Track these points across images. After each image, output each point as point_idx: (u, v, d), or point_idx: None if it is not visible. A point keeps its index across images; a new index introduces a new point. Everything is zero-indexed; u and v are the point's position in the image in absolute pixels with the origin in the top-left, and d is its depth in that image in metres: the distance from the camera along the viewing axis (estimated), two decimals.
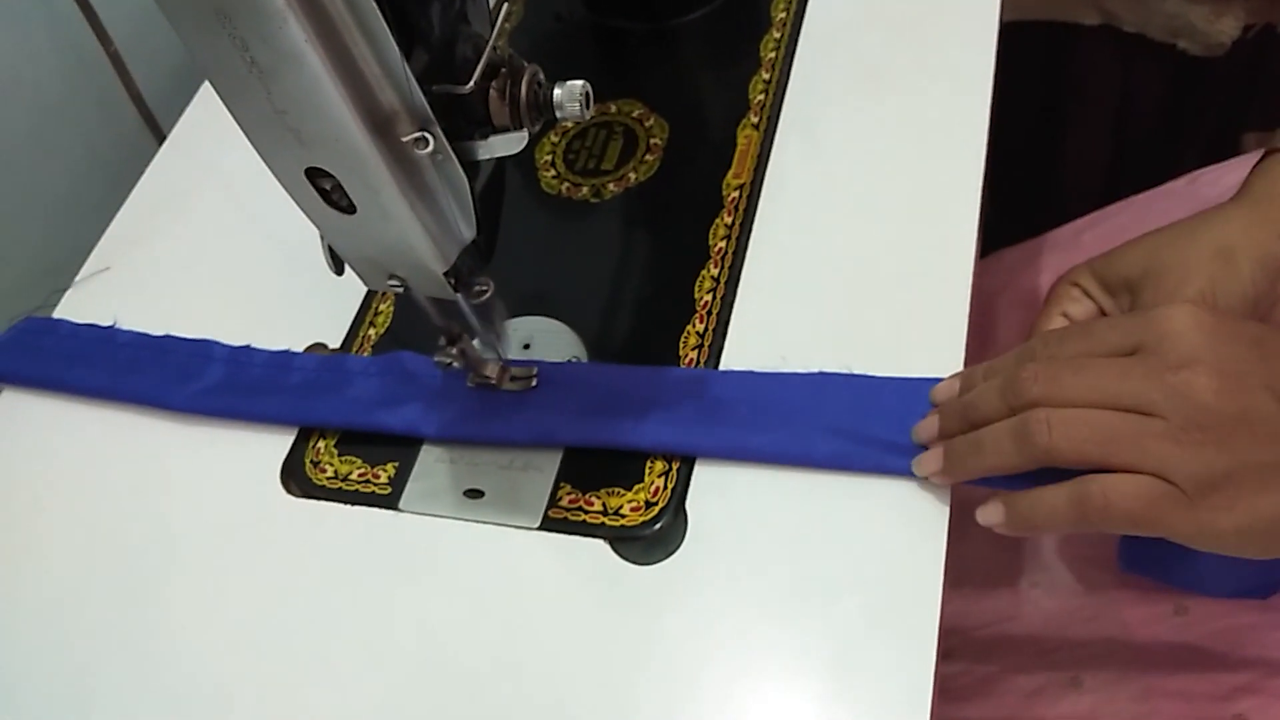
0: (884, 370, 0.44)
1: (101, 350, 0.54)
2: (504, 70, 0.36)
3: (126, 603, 0.47)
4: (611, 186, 0.54)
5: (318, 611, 0.44)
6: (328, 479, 0.48)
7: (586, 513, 0.44)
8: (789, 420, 0.43)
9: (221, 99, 0.33)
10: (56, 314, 0.57)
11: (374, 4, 0.31)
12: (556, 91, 0.36)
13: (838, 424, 0.43)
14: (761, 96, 0.55)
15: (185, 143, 0.65)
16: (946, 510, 0.41)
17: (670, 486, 0.44)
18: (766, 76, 0.56)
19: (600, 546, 0.43)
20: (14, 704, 0.45)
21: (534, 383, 0.47)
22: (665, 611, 0.41)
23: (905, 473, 0.42)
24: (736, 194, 0.52)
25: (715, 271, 0.49)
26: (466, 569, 0.44)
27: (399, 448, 0.48)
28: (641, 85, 0.58)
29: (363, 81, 0.32)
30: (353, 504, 0.47)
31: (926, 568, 0.40)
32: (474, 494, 0.46)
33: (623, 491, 0.44)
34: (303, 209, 0.38)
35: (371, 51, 0.32)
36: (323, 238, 0.41)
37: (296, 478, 0.48)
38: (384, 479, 0.47)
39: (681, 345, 0.48)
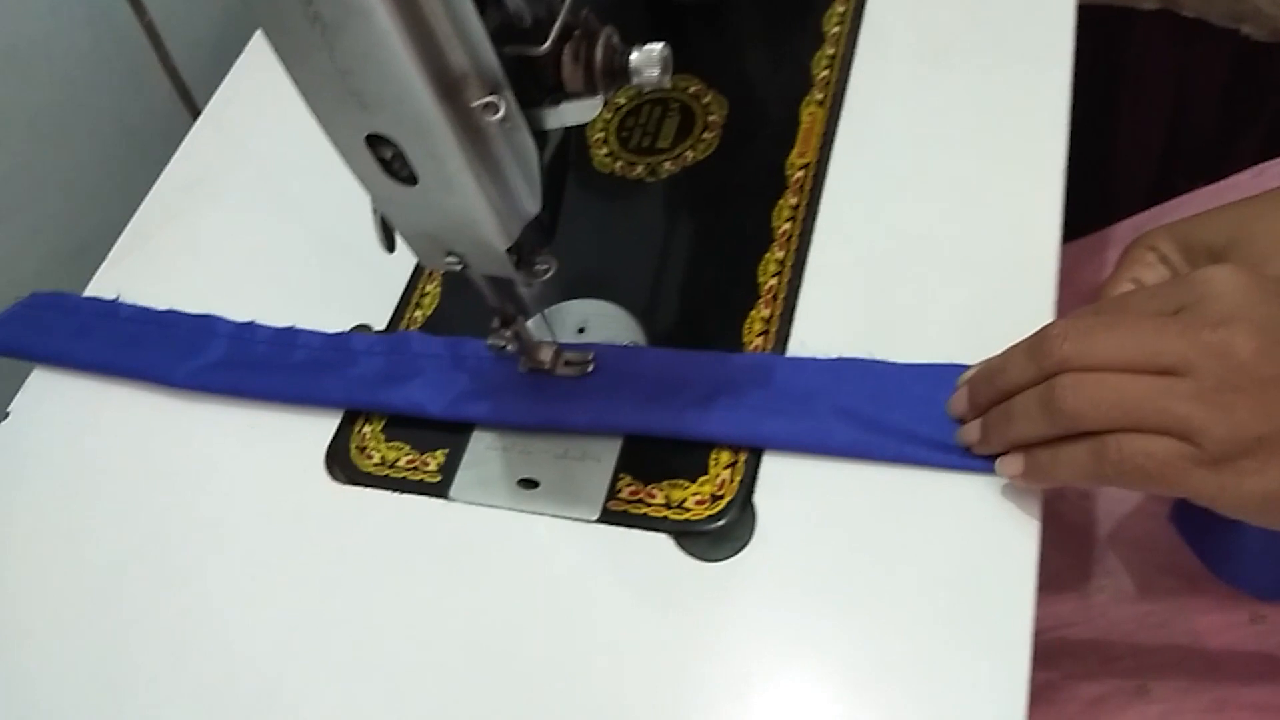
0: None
1: (104, 325, 0.53)
2: (578, 32, 0.33)
3: (164, 591, 0.45)
4: (668, 165, 0.52)
5: (364, 603, 0.42)
6: (374, 465, 0.46)
7: (648, 505, 0.42)
8: (810, 406, 0.42)
9: (279, 57, 0.31)
10: (87, 294, 0.56)
11: None
12: (634, 56, 0.34)
13: (869, 412, 0.41)
14: (826, 72, 0.53)
15: (221, 118, 0.63)
16: (1038, 507, 0.38)
17: (737, 479, 0.41)
18: (831, 52, 0.53)
19: (663, 541, 0.41)
20: (49, 694, 0.43)
21: (590, 369, 0.45)
22: (732, 612, 0.39)
23: (944, 464, 0.40)
24: (801, 174, 0.49)
25: (780, 255, 0.47)
26: (521, 562, 0.42)
27: (448, 434, 0.46)
28: (698, 60, 0.55)
29: (433, 40, 0.30)
30: (400, 492, 0.45)
31: (1018, 570, 0.37)
32: (528, 484, 0.44)
33: (686, 484, 0.42)
34: (359, 179, 0.35)
35: (444, 7, 0.29)
36: (375, 212, 0.39)
37: (342, 464, 0.46)
38: (433, 466, 0.45)
39: (746, 331, 0.45)
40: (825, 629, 0.38)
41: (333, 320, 0.50)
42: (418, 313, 0.50)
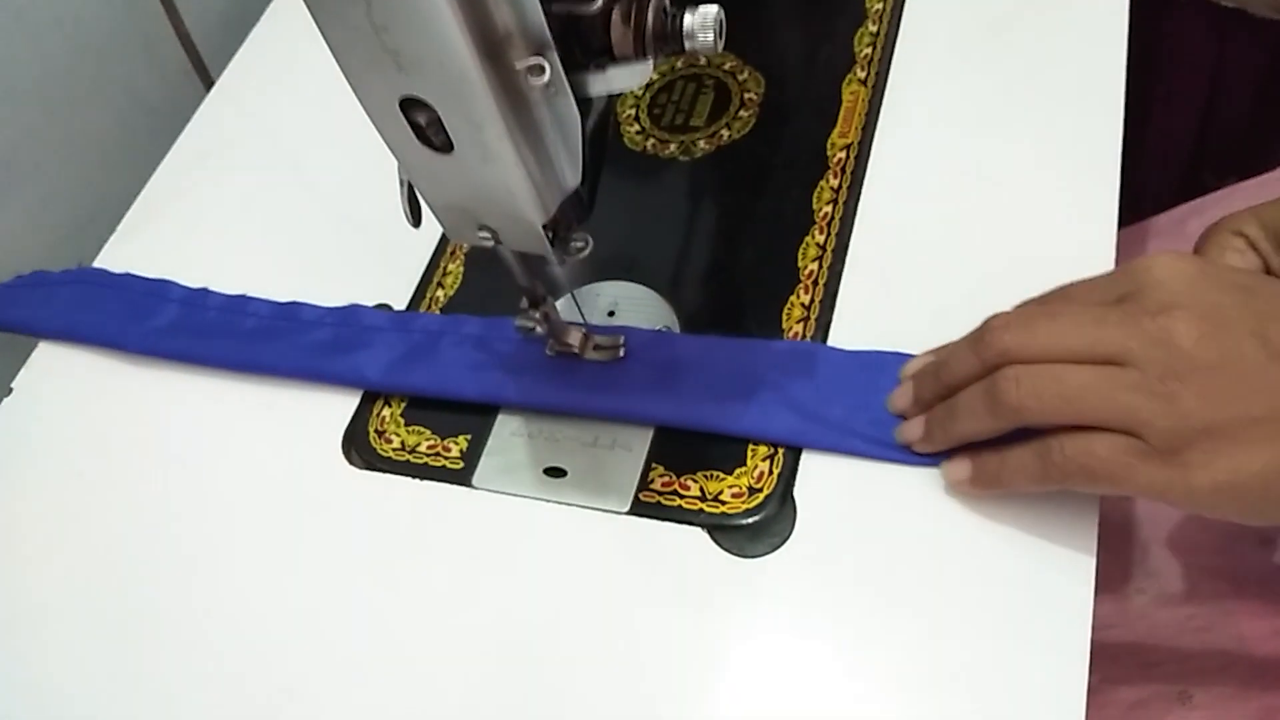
0: None
1: (67, 291, 0.52)
2: None
3: (172, 576, 0.43)
4: (702, 144, 0.50)
5: (382, 593, 0.41)
6: (394, 450, 0.44)
7: (682, 497, 0.40)
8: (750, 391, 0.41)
9: (310, 11, 0.29)
10: (96, 265, 0.54)
11: None
12: (687, 19, 0.32)
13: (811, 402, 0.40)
14: (869, 50, 0.51)
15: (235, 89, 0.61)
16: (1096, 506, 0.36)
17: (776, 471, 0.40)
18: (874, 29, 0.51)
19: (697, 535, 0.39)
20: (56, 675, 0.41)
21: (621, 353, 0.43)
22: (770, 611, 0.37)
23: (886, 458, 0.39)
24: (843, 155, 0.47)
25: (821, 238, 0.45)
26: (547, 555, 0.40)
27: (470, 418, 0.44)
28: (734, 36, 0.53)
29: None
30: (421, 479, 0.43)
31: (1073, 572, 0.35)
32: (555, 472, 0.42)
33: (722, 475, 0.40)
34: (390, 147, 0.33)
35: None
36: (403, 183, 0.37)
37: (360, 447, 0.44)
38: (455, 452, 0.43)
39: (785, 318, 0.43)
40: (872, 630, 0.36)
41: (350, 299, 0.48)
42: (440, 292, 0.48)
